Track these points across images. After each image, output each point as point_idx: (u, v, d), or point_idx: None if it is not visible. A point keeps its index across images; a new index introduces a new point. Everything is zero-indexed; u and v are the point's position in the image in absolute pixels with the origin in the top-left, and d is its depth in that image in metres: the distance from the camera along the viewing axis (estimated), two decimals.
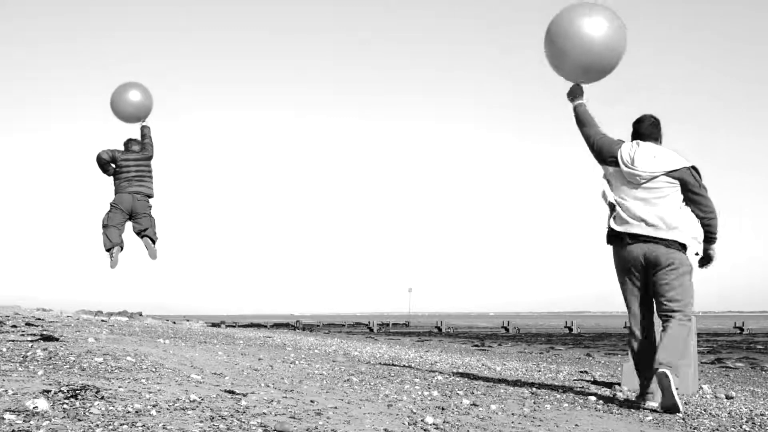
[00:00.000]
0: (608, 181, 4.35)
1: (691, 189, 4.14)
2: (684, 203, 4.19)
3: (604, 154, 4.30)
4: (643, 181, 4.14)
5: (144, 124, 7.40)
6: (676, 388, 3.94)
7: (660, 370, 3.96)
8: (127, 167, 7.10)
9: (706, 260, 4.35)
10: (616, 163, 4.24)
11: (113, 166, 7.14)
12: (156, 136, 7.41)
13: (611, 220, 4.31)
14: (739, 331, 46.62)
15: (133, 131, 7.39)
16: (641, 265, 4.19)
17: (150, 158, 7.28)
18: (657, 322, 4.35)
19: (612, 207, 4.30)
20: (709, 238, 4.25)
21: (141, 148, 7.26)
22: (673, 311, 4.13)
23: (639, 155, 4.18)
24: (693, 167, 4.16)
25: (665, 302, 4.15)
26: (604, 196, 4.36)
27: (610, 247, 4.39)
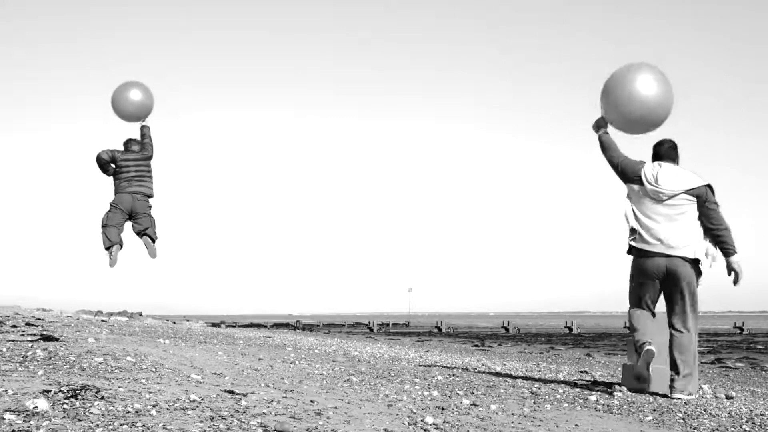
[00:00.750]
0: (631, 199, 4.80)
1: (705, 204, 4.63)
2: (699, 218, 4.66)
3: (629, 173, 4.79)
4: (665, 198, 4.63)
5: (144, 123, 7.39)
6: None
7: (674, 395, 4.62)
8: (126, 167, 7.09)
9: (731, 273, 4.73)
10: (640, 182, 4.72)
11: (113, 166, 7.13)
12: (156, 136, 7.41)
13: (631, 240, 4.77)
14: (739, 331, 46.62)
15: (134, 131, 7.40)
16: (663, 274, 4.66)
17: (150, 158, 7.28)
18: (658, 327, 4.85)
19: (633, 231, 4.77)
20: (726, 250, 4.68)
21: (141, 148, 7.25)
22: (681, 326, 4.70)
23: (662, 175, 4.67)
24: (709, 185, 4.65)
25: (677, 314, 4.71)
26: (626, 218, 4.81)
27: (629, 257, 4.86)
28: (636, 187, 4.75)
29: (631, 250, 4.81)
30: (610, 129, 5.10)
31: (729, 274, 4.72)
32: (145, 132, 7.36)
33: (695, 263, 4.63)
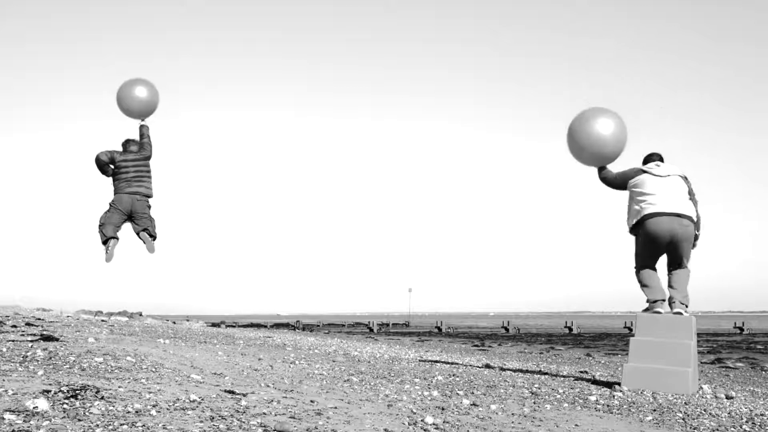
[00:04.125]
0: (634, 192, 5.75)
1: (689, 192, 5.75)
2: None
3: (630, 175, 5.84)
4: (665, 175, 5.69)
5: (143, 123, 7.38)
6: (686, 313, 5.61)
7: (675, 310, 5.57)
8: (125, 168, 7.06)
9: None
10: (643, 173, 5.76)
11: (112, 167, 7.11)
12: (155, 136, 7.38)
13: (641, 210, 5.65)
14: (739, 331, 46.62)
15: (133, 131, 7.38)
16: (668, 236, 5.56)
17: (148, 158, 7.24)
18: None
19: (633, 215, 5.75)
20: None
21: (139, 148, 7.22)
22: (683, 263, 5.73)
23: (662, 166, 5.78)
24: (686, 177, 5.82)
25: (680, 260, 5.69)
26: (628, 215, 5.82)
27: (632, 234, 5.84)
28: (637, 179, 5.76)
29: (636, 226, 5.72)
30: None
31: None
32: (143, 132, 7.33)
33: (692, 222, 5.63)
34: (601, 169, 6.07)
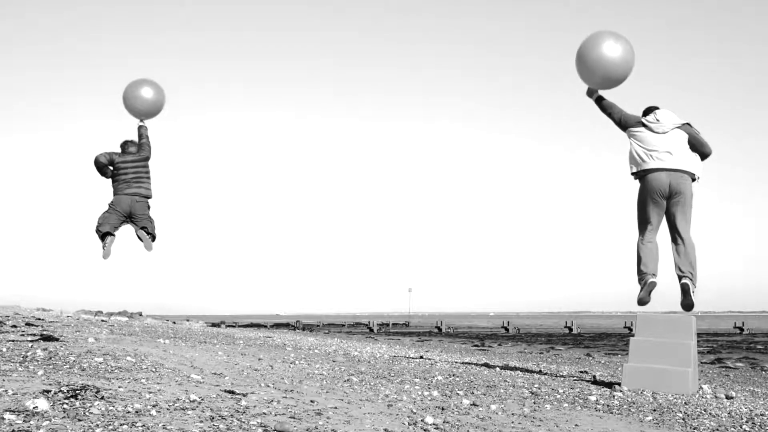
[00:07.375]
0: (634, 141, 5.86)
1: (693, 135, 5.83)
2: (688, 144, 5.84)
3: (632, 122, 5.95)
4: (666, 131, 5.79)
5: (141, 123, 7.38)
6: (693, 292, 5.61)
7: (683, 281, 5.61)
8: (124, 169, 7.05)
9: None
10: (643, 125, 5.86)
11: (111, 168, 7.10)
12: (155, 137, 7.38)
13: (642, 162, 5.73)
14: (739, 331, 46.63)
15: (132, 132, 7.38)
16: (666, 192, 5.66)
17: (147, 159, 7.23)
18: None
19: (633, 162, 5.82)
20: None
21: (138, 150, 7.21)
22: (683, 234, 5.70)
23: (661, 116, 5.88)
24: (688, 123, 5.90)
25: (680, 227, 5.71)
26: (630, 158, 5.87)
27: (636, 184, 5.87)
28: (639, 129, 5.87)
29: (637, 175, 5.80)
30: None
31: None
32: (142, 132, 7.33)
33: (690, 178, 5.71)
34: (602, 99, 6.11)
